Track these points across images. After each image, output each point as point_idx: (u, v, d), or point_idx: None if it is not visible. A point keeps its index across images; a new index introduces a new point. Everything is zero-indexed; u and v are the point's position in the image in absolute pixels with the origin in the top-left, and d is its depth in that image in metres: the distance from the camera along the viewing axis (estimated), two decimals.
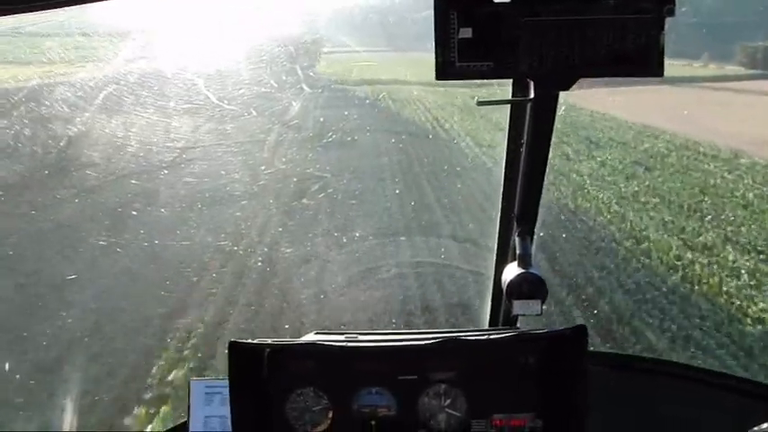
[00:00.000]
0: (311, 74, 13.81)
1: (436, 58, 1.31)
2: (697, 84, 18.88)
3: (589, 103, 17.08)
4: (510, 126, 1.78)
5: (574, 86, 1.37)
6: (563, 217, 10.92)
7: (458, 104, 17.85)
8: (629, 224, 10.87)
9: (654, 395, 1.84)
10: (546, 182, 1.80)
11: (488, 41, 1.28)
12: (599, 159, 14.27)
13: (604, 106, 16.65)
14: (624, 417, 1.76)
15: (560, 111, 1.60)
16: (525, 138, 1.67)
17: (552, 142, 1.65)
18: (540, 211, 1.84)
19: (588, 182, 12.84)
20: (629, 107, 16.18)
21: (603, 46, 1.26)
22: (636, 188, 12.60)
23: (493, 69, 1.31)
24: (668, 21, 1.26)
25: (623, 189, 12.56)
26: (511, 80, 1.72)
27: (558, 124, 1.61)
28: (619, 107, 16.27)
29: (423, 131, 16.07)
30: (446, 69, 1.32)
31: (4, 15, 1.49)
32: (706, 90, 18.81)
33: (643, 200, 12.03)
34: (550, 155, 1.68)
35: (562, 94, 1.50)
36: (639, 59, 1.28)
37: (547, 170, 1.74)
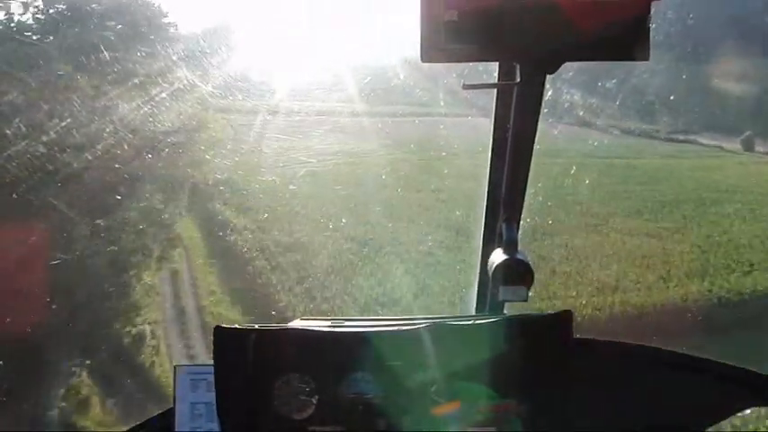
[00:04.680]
0: None
1: (422, 40, 1.30)
2: None
3: None
4: (496, 111, 1.77)
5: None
6: None
7: None
8: None
9: (638, 381, 1.86)
10: (532, 168, 1.79)
11: (475, 24, 1.27)
12: None
13: None
14: (608, 402, 1.77)
15: (547, 96, 1.59)
16: (511, 123, 1.66)
17: (539, 127, 1.64)
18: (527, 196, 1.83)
19: None
20: None
21: (590, 29, 1.26)
22: None
23: (479, 52, 1.31)
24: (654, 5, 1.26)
25: None
26: (497, 65, 1.71)
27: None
28: None
29: None
30: (432, 52, 1.31)
31: None
32: None
33: None
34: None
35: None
36: (626, 43, 1.27)
37: (533, 156, 1.74)
